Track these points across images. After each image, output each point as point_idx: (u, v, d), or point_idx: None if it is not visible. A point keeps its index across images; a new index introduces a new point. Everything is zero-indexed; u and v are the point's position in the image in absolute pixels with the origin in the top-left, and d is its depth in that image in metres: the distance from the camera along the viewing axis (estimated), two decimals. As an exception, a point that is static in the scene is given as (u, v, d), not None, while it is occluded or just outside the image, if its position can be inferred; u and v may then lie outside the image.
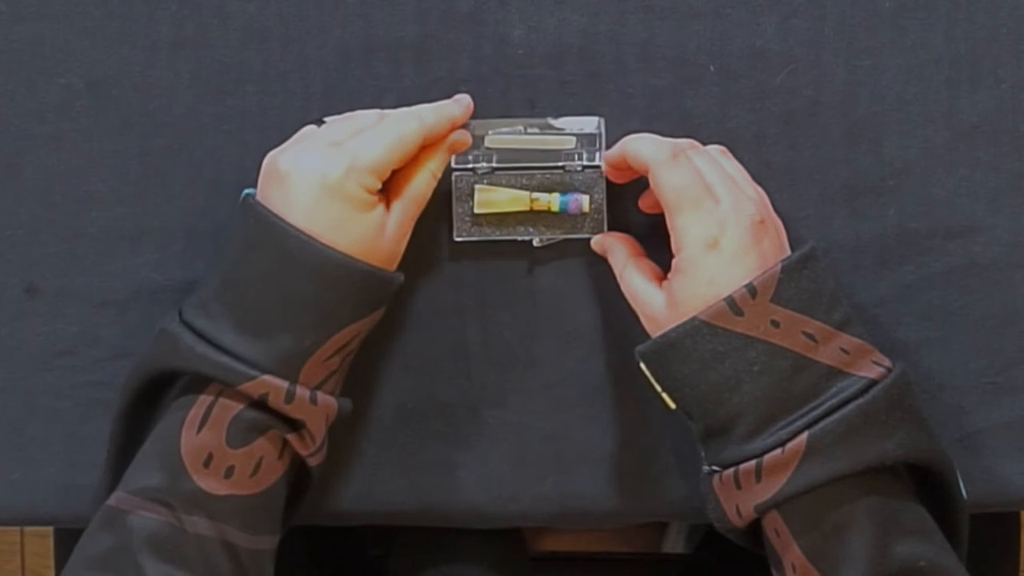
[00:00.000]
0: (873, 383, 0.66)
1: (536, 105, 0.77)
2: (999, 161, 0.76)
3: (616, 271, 0.74)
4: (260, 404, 0.67)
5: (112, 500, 0.67)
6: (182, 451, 0.67)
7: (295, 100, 0.77)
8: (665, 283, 0.70)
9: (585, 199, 0.75)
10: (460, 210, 0.76)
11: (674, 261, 0.69)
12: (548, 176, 0.76)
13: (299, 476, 0.72)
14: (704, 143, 0.75)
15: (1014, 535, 0.96)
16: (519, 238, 0.76)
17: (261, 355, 0.67)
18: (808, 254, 0.68)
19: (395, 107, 0.76)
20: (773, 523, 0.67)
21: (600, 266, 0.76)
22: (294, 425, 0.69)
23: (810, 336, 0.66)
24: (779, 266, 0.67)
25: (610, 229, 0.76)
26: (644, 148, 0.70)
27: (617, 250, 0.74)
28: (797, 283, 0.67)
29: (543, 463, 0.78)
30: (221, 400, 0.67)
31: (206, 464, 0.66)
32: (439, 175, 0.74)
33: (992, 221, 0.76)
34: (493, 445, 0.78)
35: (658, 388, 0.70)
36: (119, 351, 0.78)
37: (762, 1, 0.77)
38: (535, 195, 0.75)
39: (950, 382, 0.77)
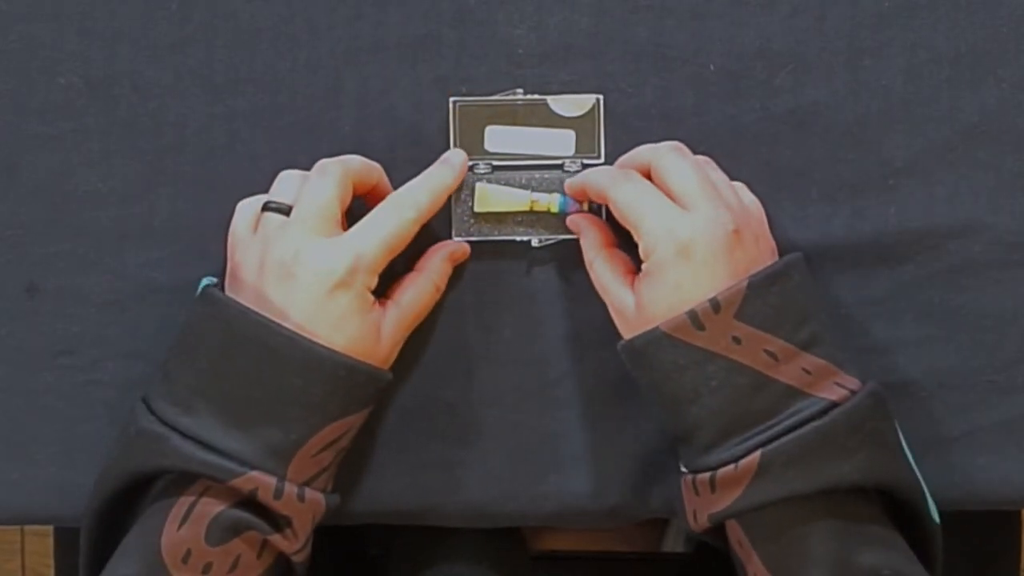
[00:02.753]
0: (834, 405, 0.66)
1: (536, 105, 0.77)
2: (1000, 160, 0.76)
3: (586, 257, 0.74)
4: (245, 503, 0.67)
5: None
6: (162, 546, 0.66)
7: (297, 100, 0.77)
8: (637, 284, 0.70)
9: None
10: (459, 210, 0.76)
11: (644, 264, 0.69)
12: (547, 176, 0.76)
13: (290, 571, 0.71)
14: (704, 142, 0.75)
15: (1014, 535, 0.96)
16: (518, 238, 0.76)
17: (248, 450, 0.66)
18: (779, 271, 0.68)
19: (397, 107, 0.76)
20: (735, 532, 0.68)
21: (600, 266, 0.76)
22: (278, 524, 0.68)
23: (772, 354, 0.66)
24: (746, 282, 0.66)
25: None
26: (598, 179, 0.71)
27: (589, 235, 0.74)
28: (763, 300, 0.66)
29: (543, 463, 0.78)
30: (206, 497, 0.67)
31: (184, 560, 0.66)
32: (443, 287, 0.75)
33: (993, 220, 0.76)
34: (493, 445, 0.78)
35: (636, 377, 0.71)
36: (119, 351, 0.78)
37: (762, 0, 0.77)
38: (535, 195, 0.75)
39: (950, 381, 0.77)
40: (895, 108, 0.76)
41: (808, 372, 0.66)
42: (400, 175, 0.77)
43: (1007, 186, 0.76)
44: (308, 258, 0.68)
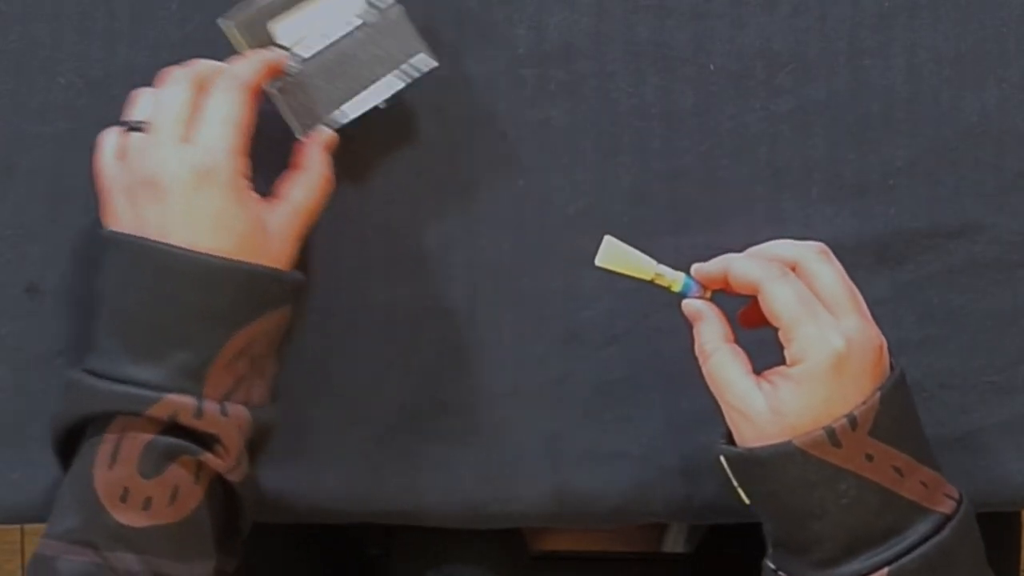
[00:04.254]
0: (948, 518, 0.66)
1: (536, 104, 0.77)
2: (1001, 160, 0.76)
3: (705, 348, 0.69)
4: (169, 429, 0.66)
5: (40, 547, 0.66)
6: (97, 489, 0.65)
7: (296, 99, 0.77)
8: (767, 386, 0.67)
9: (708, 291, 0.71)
10: (293, 104, 0.74)
11: (790, 369, 0.66)
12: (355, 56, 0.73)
13: (229, 495, 0.70)
14: (704, 142, 0.76)
15: (1014, 535, 0.96)
16: (349, 117, 0.74)
17: (160, 376, 0.66)
18: (899, 379, 0.67)
19: (395, 106, 0.76)
20: None
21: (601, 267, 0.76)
22: (207, 443, 0.67)
23: (898, 470, 0.66)
24: (878, 395, 0.65)
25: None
26: (751, 270, 0.68)
27: (712, 325, 0.70)
28: (890, 413, 0.66)
29: (543, 463, 0.78)
30: (129, 433, 0.66)
31: (123, 499, 0.65)
32: (331, 176, 0.73)
33: (993, 220, 0.76)
34: (493, 445, 0.78)
35: (735, 482, 0.69)
36: (119, 351, 0.78)
37: (763, 0, 0.77)
38: (660, 268, 0.70)
39: (950, 381, 0.77)
40: (896, 108, 0.76)
41: (925, 485, 0.66)
42: (400, 175, 0.77)
43: (1007, 186, 0.76)
44: (169, 165, 0.67)
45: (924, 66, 0.76)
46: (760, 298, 0.67)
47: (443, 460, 0.78)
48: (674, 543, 1.15)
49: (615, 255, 0.70)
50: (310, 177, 0.72)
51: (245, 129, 0.69)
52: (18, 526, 1.47)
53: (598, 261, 0.70)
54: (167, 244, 0.66)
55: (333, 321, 0.78)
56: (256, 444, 0.70)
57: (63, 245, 0.77)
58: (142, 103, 0.71)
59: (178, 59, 0.77)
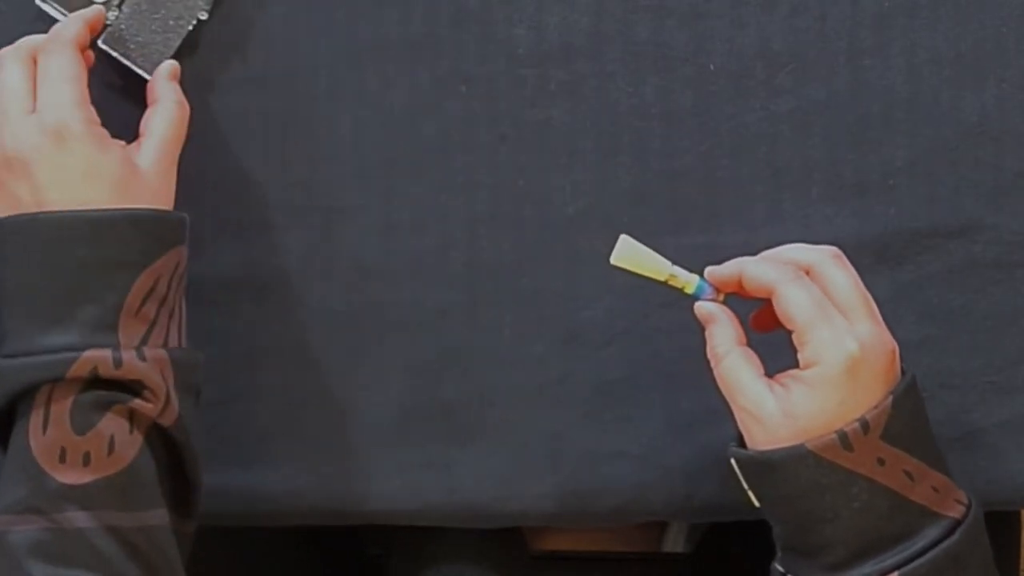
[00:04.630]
0: (957, 523, 0.66)
1: (536, 104, 0.77)
2: (1000, 160, 0.76)
3: (717, 350, 0.69)
4: (93, 383, 0.66)
5: None
6: (35, 455, 0.66)
7: (299, 99, 0.77)
8: (780, 389, 0.66)
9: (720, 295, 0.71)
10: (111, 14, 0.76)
11: (803, 372, 0.66)
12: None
13: (170, 442, 0.70)
14: (704, 142, 0.76)
15: (1014, 535, 0.96)
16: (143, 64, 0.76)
17: (73, 337, 0.66)
18: (911, 383, 0.67)
19: (396, 107, 0.76)
20: None
21: (601, 265, 0.76)
22: (134, 391, 0.67)
23: (908, 474, 0.66)
24: (890, 399, 0.65)
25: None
26: (766, 272, 0.68)
27: (725, 328, 0.69)
28: (902, 418, 0.66)
29: (543, 463, 0.78)
30: (55, 397, 0.66)
31: (62, 459, 0.65)
32: (185, 102, 0.73)
33: (993, 220, 0.76)
34: (493, 445, 0.78)
35: (744, 485, 0.69)
36: (119, 351, 0.78)
37: (763, 0, 0.77)
38: (675, 269, 0.70)
39: (950, 381, 0.77)
40: (895, 108, 0.76)
41: (936, 490, 0.67)
42: (399, 175, 0.77)
43: (1007, 186, 0.76)
44: (23, 137, 0.68)
45: (924, 66, 0.76)
46: (774, 301, 0.67)
47: (443, 460, 0.78)
48: (674, 543, 1.15)
49: (631, 254, 0.70)
50: (165, 107, 0.73)
51: (83, 81, 0.70)
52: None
53: (613, 259, 0.70)
54: (44, 212, 0.67)
55: (333, 321, 0.77)
56: (184, 384, 0.70)
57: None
58: None
59: (178, 59, 0.77)
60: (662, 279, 0.70)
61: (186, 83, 0.77)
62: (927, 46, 0.76)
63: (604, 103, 0.77)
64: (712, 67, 0.77)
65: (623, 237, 0.69)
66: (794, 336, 0.66)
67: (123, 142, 0.70)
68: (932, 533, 0.65)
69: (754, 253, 0.76)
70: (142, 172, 0.70)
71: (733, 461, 0.68)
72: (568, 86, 0.77)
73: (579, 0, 0.77)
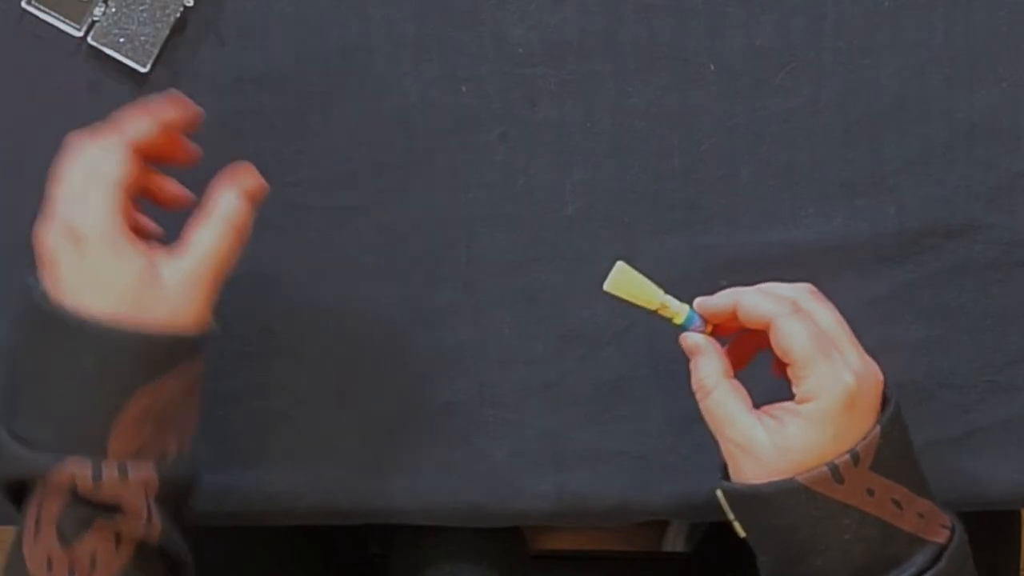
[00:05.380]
0: (943, 548, 0.66)
1: (536, 104, 0.77)
2: (998, 160, 0.76)
3: (705, 383, 0.68)
4: (76, 495, 0.65)
5: None
6: (26, 561, 0.65)
7: (297, 99, 0.77)
8: (771, 422, 0.66)
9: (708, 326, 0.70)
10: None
11: (801, 407, 0.65)
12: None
13: (163, 552, 0.68)
14: (704, 142, 0.75)
15: (1014, 535, 0.96)
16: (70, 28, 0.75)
17: (59, 439, 0.64)
18: (896, 411, 0.67)
19: (396, 106, 0.76)
20: None
21: (601, 265, 0.76)
22: (115, 508, 0.65)
23: (897, 503, 0.66)
24: (878, 429, 0.65)
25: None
26: (763, 304, 0.67)
27: (712, 361, 0.68)
28: (889, 446, 0.66)
29: (543, 462, 0.78)
30: (46, 501, 0.65)
31: (48, 568, 0.65)
32: (245, 228, 0.68)
33: (991, 220, 0.76)
34: (493, 444, 0.78)
35: (730, 516, 0.68)
36: (119, 351, 0.78)
37: (763, 0, 0.77)
38: (666, 299, 0.69)
39: (950, 381, 0.77)
40: (894, 108, 0.76)
41: (922, 516, 0.67)
42: (399, 175, 0.77)
43: (1006, 186, 0.76)
44: (49, 235, 0.66)
45: (923, 66, 0.76)
46: (772, 334, 0.66)
47: (443, 459, 0.78)
48: (674, 542, 1.15)
49: (625, 281, 0.69)
50: (216, 224, 0.67)
51: (119, 187, 0.66)
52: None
53: (607, 287, 0.69)
54: (57, 308, 0.65)
55: (333, 321, 0.78)
56: (175, 497, 0.68)
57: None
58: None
59: (178, 58, 0.77)
60: (653, 308, 0.69)
61: (185, 83, 0.77)
62: (925, 46, 0.76)
63: (604, 103, 0.77)
64: (711, 67, 0.77)
65: (620, 264, 0.69)
66: (791, 370, 0.66)
67: (153, 247, 0.66)
68: (920, 560, 0.66)
69: (754, 253, 0.77)
70: (163, 285, 0.65)
71: (720, 493, 0.68)
72: (568, 86, 0.77)
73: (579, 0, 0.77)
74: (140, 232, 0.68)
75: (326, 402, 0.78)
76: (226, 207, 0.67)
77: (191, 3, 0.76)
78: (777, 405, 0.66)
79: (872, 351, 0.76)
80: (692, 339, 0.69)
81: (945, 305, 0.77)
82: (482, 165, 0.77)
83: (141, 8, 0.76)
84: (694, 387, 0.68)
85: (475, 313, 0.78)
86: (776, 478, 0.65)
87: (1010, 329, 0.77)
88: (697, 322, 0.69)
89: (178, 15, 0.76)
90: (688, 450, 0.77)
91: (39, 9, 0.76)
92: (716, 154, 0.76)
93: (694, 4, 0.77)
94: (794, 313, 0.66)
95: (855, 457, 0.64)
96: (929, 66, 0.76)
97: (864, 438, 0.65)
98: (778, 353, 0.66)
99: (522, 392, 0.78)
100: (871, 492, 0.65)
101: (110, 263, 0.65)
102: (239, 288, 0.78)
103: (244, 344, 0.78)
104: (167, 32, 0.76)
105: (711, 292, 0.76)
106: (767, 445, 0.65)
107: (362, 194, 0.77)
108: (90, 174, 0.65)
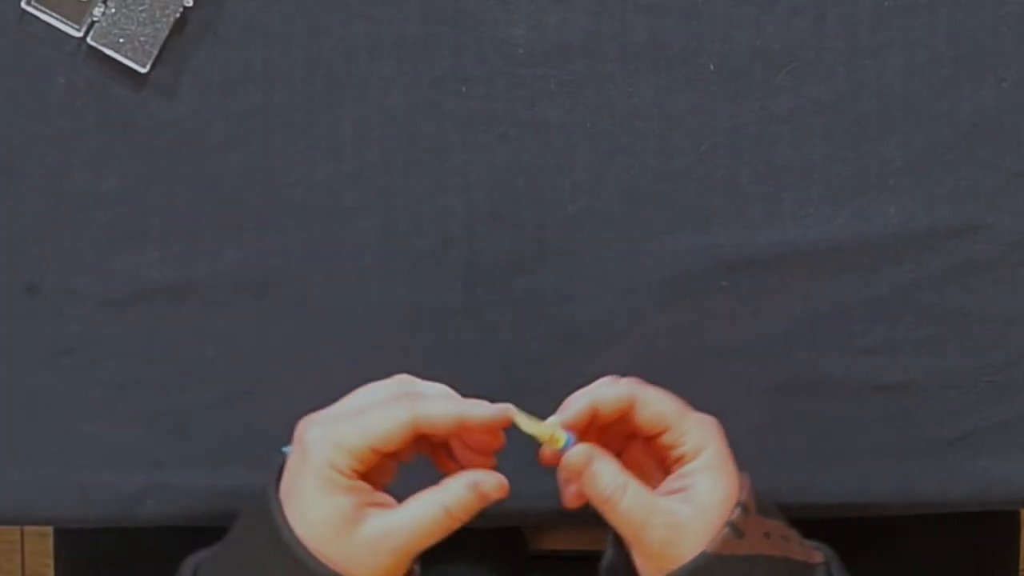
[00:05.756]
0: (826, 564, 0.69)
1: (536, 104, 0.77)
2: (1000, 160, 0.76)
3: (611, 487, 0.65)
4: None
5: None
6: None
7: (296, 100, 0.77)
8: (679, 494, 0.66)
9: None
10: None
11: (698, 462, 0.66)
12: None
13: None
14: (703, 142, 0.75)
15: (1014, 535, 0.96)
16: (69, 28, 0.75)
17: None
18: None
19: (396, 107, 0.76)
20: None
21: (600, 265, 0.77)
22: None
23: (784, 537, 0.67)
24: (746, 474, 0.67)
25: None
26: (617, 389, 0.66)
27: (609, 463, 0.66)
28: (752, 487, 0.67)
29: (543, 463, 0.78)
30: None
31: None
32: (459, 517, 0.65)
33: (992, 220, 0.76)
34: (493, 444, 0.78)
35: None
36: (118, 351, 0.78)
37: (762, 0, 0.77)
38: (557, 433, 0.65)
39: (950, 381, 0.77)
40: (895, 108, 0.76)
41: (801, 544, 0.68)
42: (399, 176, 0.77)
43: (1007, 186, 0.76)
44: (296, 440, 0.66)
45: (923, 66, 0.76)
46: (640, 408, 0.65)
47: (443, 460, 0.78)
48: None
49: (522, 421, 0.66)
50: (432, 504, 0.65)
51: (369, 438, 0.64)
52: (18, 526, 1.47)
53: (521, 425, 0.66)
54: (269, 512, 0.65)
55: (333, 321, 0.78)
56: None
57: (62, 245, 0.77)
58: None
59: (178, 59, 0.77)
60: (545, 438, 0.66)
61: (185, 83, 0.77)
62: (926, 46, 0.76)
63: (603, 103, 0.77)
64: (711, 67, 0.77)
65: (515, 414, 0.66)
66: (668, 435, 0.66)
67: (364, 496, 0.64)
68: None
69: (753, 253, 0.77)
70: (357, 538, 0.64)
71: None
72: (567, 86, 0.77)
73: (578, 0, 0.77)
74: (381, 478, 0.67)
75: (325, 402, 0.78)
76: (451, 495, 0.65)
77: (191, 3, 0.76)
78: (665, 483, 0.67)
79: (872, 351, 0.77)
80: (581, 451, 0.65)
81: (945, 305, 0.77)
82: (482, 165, 0.77)
83: (141, 8, 0.76)
84: (603, 496, 0.65)
85: (475, 313, 0.78)
86: (711, 536, 0.64)
87: (1010, 329, 0.77)
88: (572, 440, 0.66)
89: (178, 15, 0.76)
90: (688, 450, 0.77)
91: (39, 9, 0.76)
92: (717, 154, 0.76)
93: (694, 4, 0.77)
94: (648, 388, 0.66)
95: (744, 508, 0.65)
96: (929, 66, 0.76)
97: (741, 487, 0.66)
98: (652, 424, 0.66)
99: (522, 392, 0.78)
100: (767, 535, 0.66)
101: (313, 494, 0.64)
102: (239, 288, 0.78)
103: (242, 344, 0.78)
104: (167, 32, 0.76)
105: (711, 292, 0.76)
106: (690, 514, 0.65)
107: (362, 194, 0.77)
108: (358, 418, 0.65)
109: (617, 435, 0.68)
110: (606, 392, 0.66)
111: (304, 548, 0.63)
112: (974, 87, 0.76)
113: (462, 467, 0.67)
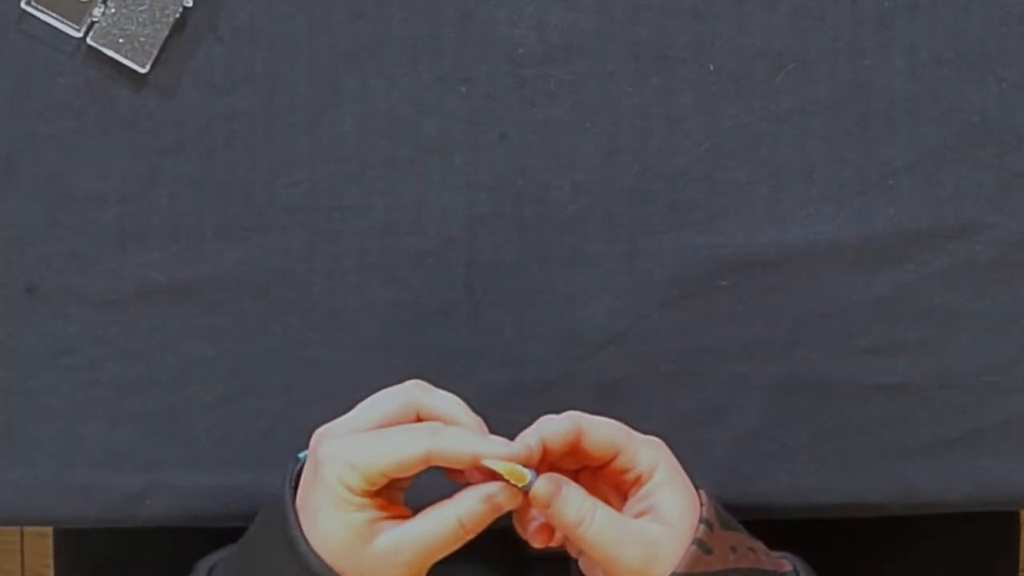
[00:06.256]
0: (795, 572, 0.69)
1: (536, 104, 0.77)
2: (1000, 160, 0.76)
3: (582, 510, 0.64)
4: None
5: None
6: None
7: (297, 100, 0.77)
8: (645, 515, 0.66)
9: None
10: None
11: (656, 480, 0.66)
12: None
13: None
14: (705, 142, 0.75)
15: (1014, 535, 0.96)
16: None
17: None
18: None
19: (397, 107, 0.76)
20: None
21: (601, 265, 0.77)
22: None
23: (751, 549, 0.67)
24: (703, 491, 0.67)
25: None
26: (564, 421, 0.66)
27: (576, 492, 0.65)
28: (715, 502, 0.67)
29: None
30: None
31: None
32: (471, 528, 0.66)
33: (993, 220, 0.76)
34: (493, 445, 0.78)
35: None
36: (119, 351, 0.78)
37: (764, 0, 0.77)
38: (520, 470, 0.64)
39: (950, 382, 0.77)
40: (896, 108, 0.76)
41: (767, 553, 0.69)
42: (399, 176, 0.77)
43: (1007, 186, 0.76)
44: (313, 450, 0.66)
45: (924, 66, 0.76)
46: (586, 437, 0.65)
47: (443, 460, 0.78)
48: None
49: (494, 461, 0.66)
50: (445, 517, 0.65)
51: (382, 464, 0.64)
52: (18, 526, 1.47)
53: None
54: (286, 521, 0.65)
55: (333, 321, 0.78)
56: None
57: (62, 245, 0.77)
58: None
59: (178, 59, 0.77)
60: (508, 476, 0.65)
61: (185, 83, 0.77)
62: (927, 46, 0.76)
63: (605, 103, 0.77)
64: (712, 67, 0.77)
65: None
66: (620, 459, 0.66)
67: (388, 521, 0.65)
68: None
69: (754, 253, 0.77)
70: (371, 552, 0.64)
71: None
72: (569, 86, 0.77)
73: (579, 1, 0.77)
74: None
75: (326, 402, 0.78)
76: (465, 508, 0.65)
77: (191, 3, 0.76)
78: (628, 507, 0.67)
79: (872, 351, 0.77)
80: (550, 481, 0.64)
81: (945, 305, 0.77)
82: (482, 165, 0.77)
83: (140, 9, 0.76)
84: (574, 521, 0.64)
85: (475, 313, 0.78)
86: (680, 554, 0.64)
87: (1010, 329, 0.77)
88: (534, 475, 0.65)
89: (178, 15, 0.76)
90: (688, 451, 0.77)
91: (39, 9, 0.76)
92: (716, 154, 0.76)
93: (694, 5, 0.77)
94: (589, 416, 0.67)
95: (708, 524, 0.65)
96: (930, 66, 0.76)
97: (702, 504, 0.66)
98: (602, 450, 0.66)
99: (522, 393, 0.78)
100: (734, 549, 0.66)
101: (325, 509, 0.64)
102: (239, 288, 0.78)
103: (243, 344, 0.78)
104: (167, 32, 0.76)
105: (712, 292, 0.76)
106: (663, 531, 0.65)
107: (362, 194, 0.77)
108: (375, 435, 0.65)
109: (566, 471, 0.67)
110: (552, 427, 0.66)
111: (320, 560, 0.64)
112: (975, 87, 0.76)
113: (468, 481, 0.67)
